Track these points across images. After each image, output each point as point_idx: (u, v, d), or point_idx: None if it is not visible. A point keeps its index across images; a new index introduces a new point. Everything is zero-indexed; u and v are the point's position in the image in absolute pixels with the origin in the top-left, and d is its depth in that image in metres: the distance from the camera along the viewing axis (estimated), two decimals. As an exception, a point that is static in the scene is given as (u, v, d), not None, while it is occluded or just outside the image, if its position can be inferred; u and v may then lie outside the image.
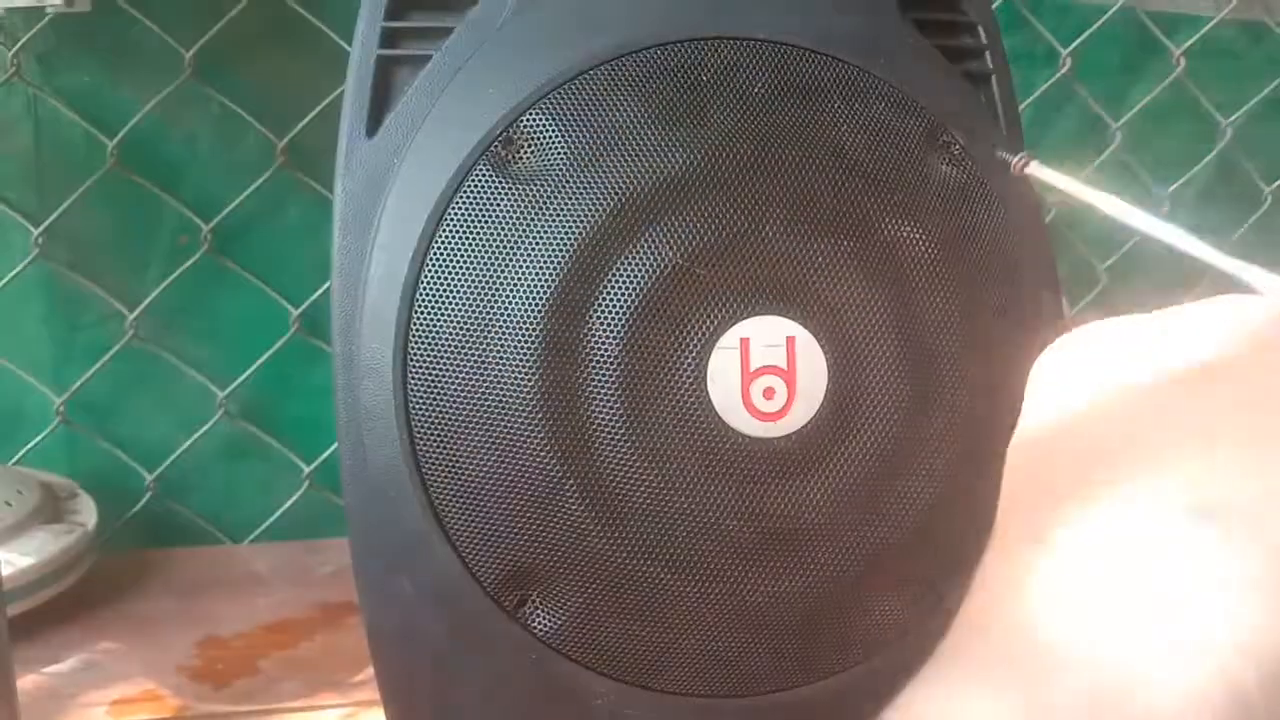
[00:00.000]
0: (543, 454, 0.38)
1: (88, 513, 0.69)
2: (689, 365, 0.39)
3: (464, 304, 0.39)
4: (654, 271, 0.38)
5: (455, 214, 0.39)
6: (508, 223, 0.39)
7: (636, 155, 0.39)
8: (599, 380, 0.38)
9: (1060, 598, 0.20)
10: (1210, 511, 0.18)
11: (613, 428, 0.38)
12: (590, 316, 0.38)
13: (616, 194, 0.38)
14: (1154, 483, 0.19)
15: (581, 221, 0.38)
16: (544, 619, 0.40)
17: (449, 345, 0.39)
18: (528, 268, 0.38)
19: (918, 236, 0.40)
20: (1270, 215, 0.93)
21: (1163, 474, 0.19)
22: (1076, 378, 0.23)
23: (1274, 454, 0.19)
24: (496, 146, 0.39)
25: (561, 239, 0.38)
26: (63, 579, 0.64)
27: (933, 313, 0.40)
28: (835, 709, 0.42)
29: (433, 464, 0.39)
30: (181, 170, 0.75)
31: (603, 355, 0.38)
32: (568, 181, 0.39)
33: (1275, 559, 0.18)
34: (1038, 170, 0.37)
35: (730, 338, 0.39)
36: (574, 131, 0.39)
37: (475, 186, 0.39)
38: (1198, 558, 0.18)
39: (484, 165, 0.39)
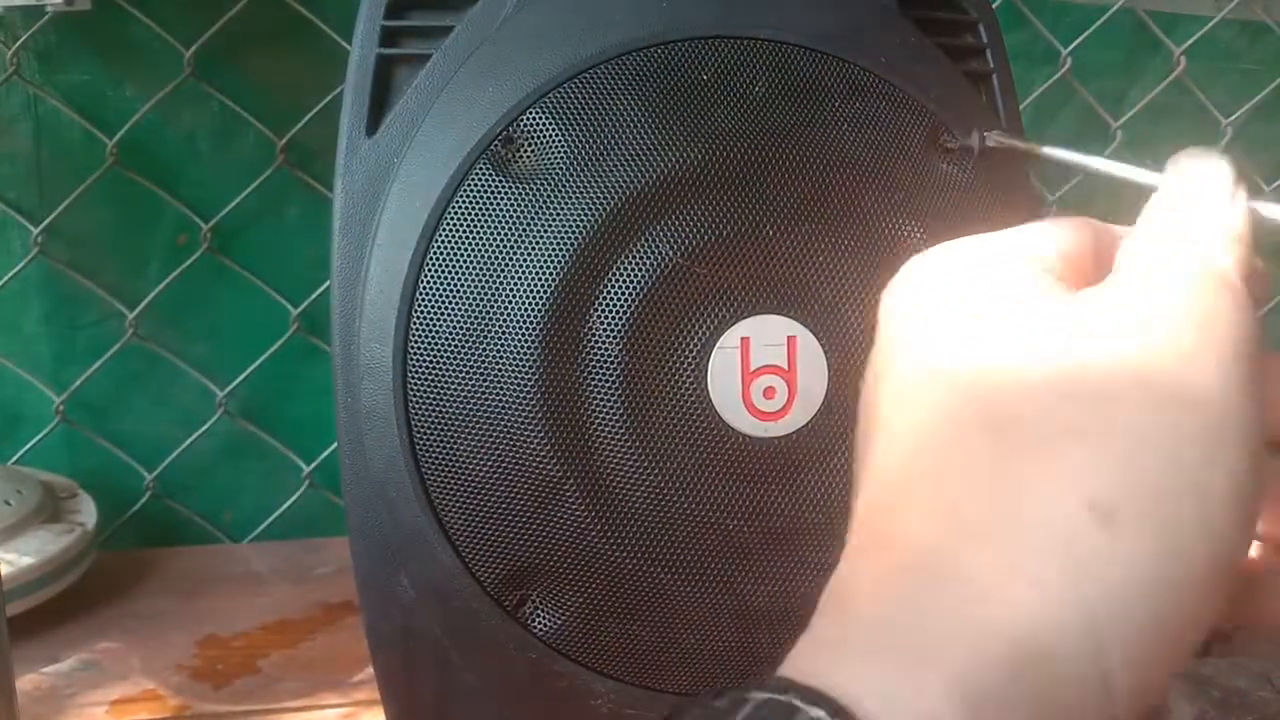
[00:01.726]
0: (543, 454, 0.38)
1: (87, 512, 0.69)
2: (689, 365, 0.39)
3: (464, 304, 0.39)
4: (654, 271, 0.38)
5: (455, 214, 0.39)
6: (508, 222, 0.39)
7: (637, 154, 0.39)
8: (599, 380, 0.38)
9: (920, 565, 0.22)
10: (1107, 513, 0.20)
11: (613, 428, 0.38)
12: (591, 316, 0.38)
13: (617, 193, 0.38)
14: (1053, 469, 0.21)
15: (582, 221, 0.38)
16: (544, 619, 0.40)
17: (449, 345, 0.39)
18: (528, 268, 0.38)
19: (919, 235, 0.40)
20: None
21: (1066, 464, 0.21)
22: (931, 311, 0.25)
23: (1160, 461, 0.21)
24: (497, 146, 0.39)
25: (562, 239, 0.38)
26: (62, 578, 0.64)
27: (933, 312, 0.40)
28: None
29: (433, 464, 0.39)
30: (181, 169, 0.75)
31: (603, 355, 0.38)
32: (568, 181, 0.39)
33: (1153, 563, 0.20)
34: (1003, 139, 0.37)
35: (730, 337, 0.39)
36: (574, 131, 0.39)
37: (475, 186, 0.39)
38: (1090, 552, 0.21)
39: (484, 164, 0.39)
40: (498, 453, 0.38)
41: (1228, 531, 0.21)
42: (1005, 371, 0.23)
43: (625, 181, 0.38)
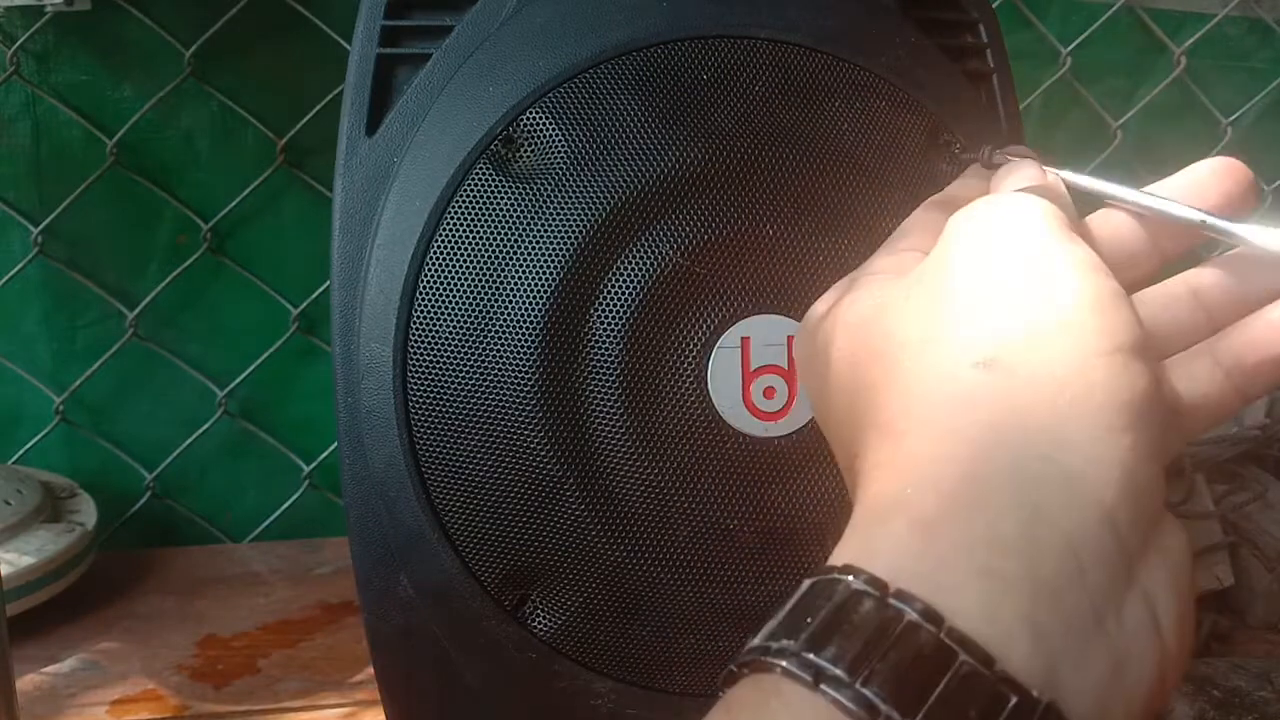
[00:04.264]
0: (543, 454, 0.38)
1: (87, 512, 0.69)
2: (690, 365, 0.39)
3: (464, 304, 0.39)
4: (654, 271, 0.38)
5: (455, 213, 0.39)
6: (508, 222, 0.39)
7: (637, 154, 0.39)
8: (599, 380, 0.38)
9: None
10: (988, 363, 0.26)
11: (613, 427, 0.38)
12: (591, 316, 0.38)
13: (617, 193, 0.38)
14: (953, 341, 0.27)
15: (581, 220, 0.38)
16: (544, 619, 0.40)
17: (449, 345, 0.39)
18: (528, 268, 0.38)
19: (919, 236, 0.40)
20: (1270, 215, 0.93)
21: (957, 336, 0.27)
22: (974, 242, 0.30)
23: (1023, 322, 0.27)
24: (497, 145, 0.39)
25: (562, 238, 0.38)
26: (62, 578, 0.64)
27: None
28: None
29: (433, 464, 0.39)
30: (181, 169, 0.75)
31: (603, 355, 0.38)
32: (568, 180, 0.39)
33: (1030, 390, 0.26)
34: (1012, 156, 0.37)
35: (731, 337, 0.39)
36: (574, 130, 0.39)
37: (475, 185, 0.39)
38: (980, 391, 0.26)
39: (484, 164, 0.39)
40: (498, 453, 0.38)
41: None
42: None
43: (625, 181, 0.38)
